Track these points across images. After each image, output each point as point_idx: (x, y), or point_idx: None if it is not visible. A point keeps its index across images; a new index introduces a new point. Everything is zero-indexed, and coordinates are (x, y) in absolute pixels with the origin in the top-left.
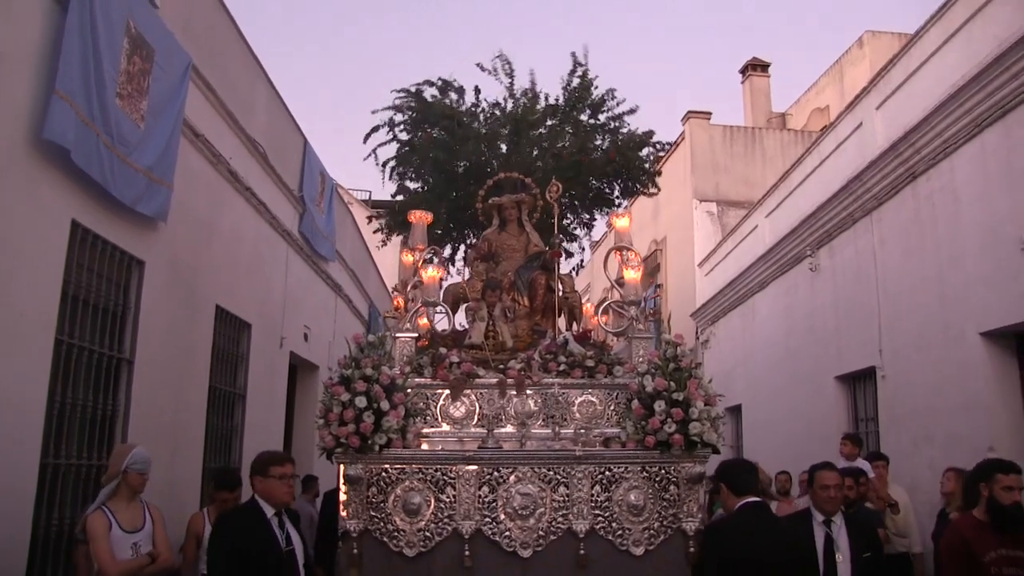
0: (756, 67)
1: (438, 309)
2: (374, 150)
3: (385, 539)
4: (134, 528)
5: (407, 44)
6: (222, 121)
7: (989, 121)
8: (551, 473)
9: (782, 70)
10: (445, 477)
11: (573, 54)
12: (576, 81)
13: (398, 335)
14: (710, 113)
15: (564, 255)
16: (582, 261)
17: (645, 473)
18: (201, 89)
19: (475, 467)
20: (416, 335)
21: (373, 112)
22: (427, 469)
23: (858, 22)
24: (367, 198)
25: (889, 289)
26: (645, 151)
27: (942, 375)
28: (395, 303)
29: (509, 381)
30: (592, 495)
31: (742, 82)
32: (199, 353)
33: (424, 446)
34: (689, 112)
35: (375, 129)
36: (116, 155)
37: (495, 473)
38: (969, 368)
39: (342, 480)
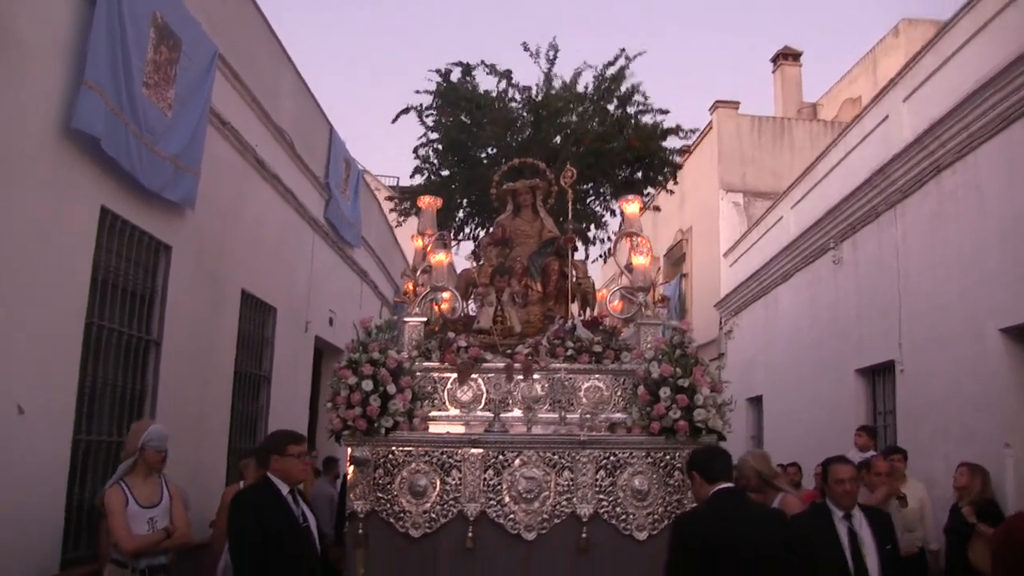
0: (787, 56)
1: (445, 294)
2: (416, 151)
3: (391, 520)
4: (151, 503)
5: (442, 26)
6: (248, 109)
7: (1015, 116)
8: (556, 457)
9: (815, 60)
10: (451, 460)
11: (623, 49)
12: (612, 71)
13: (407, 319)
14: (738, 103)
15: (588, 242)
16: (610, 250)
17: (650, 459)
18: (227, 77)
19: (481, 450)
20: (424, 320)
21: (416, 92)
22: (433, 452)
23: (894, 9)
24: (395, 184)
25: (910, 283)
26: (669, 142)
27: (960, 370)
28: (405, 287)
29: (516, 366)
30: (596, 480)
31: (773, 71)
32: (225, 336)
33: (431, 429)
34: (717, 101)
35: (405, 111)
36: (144, 143)
37: (500, 457)
38: (987, 364)
39: (348, 462)
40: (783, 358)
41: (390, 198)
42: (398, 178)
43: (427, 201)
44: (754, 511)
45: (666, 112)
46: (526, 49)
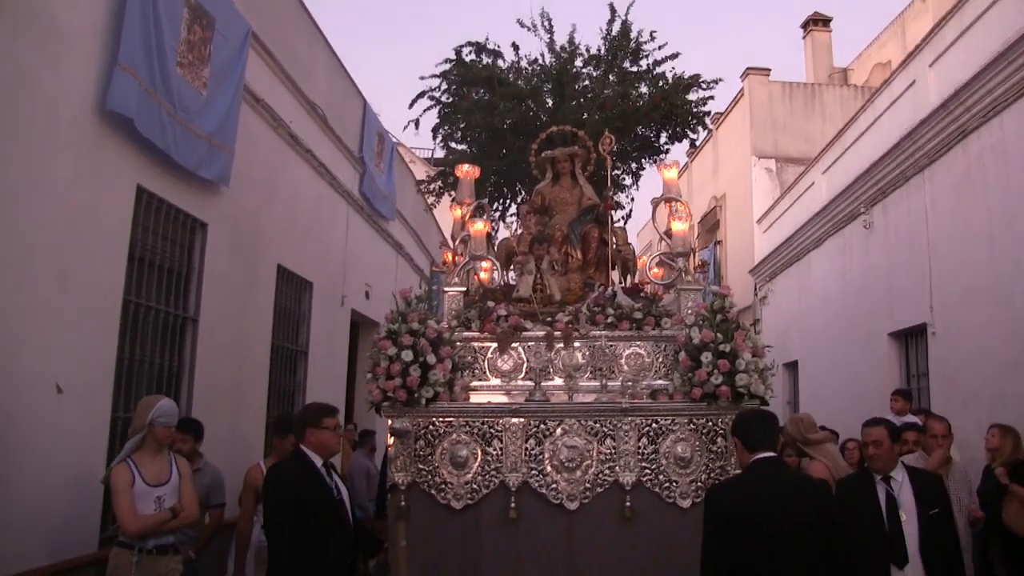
0: (817, 22)
1: (484, 263)
2: (415, 120)
3: (432, 491)
4: (158, 482)
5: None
6: (282, 85)
7: None
8: (597, 426)
9: (844, 24)
10: (492, 430)
11: (611, 4)
12: (616, 28)
13: (446, 289)
14: (769, 69)
15: (616, 207)
16: (631, 212)
17: (692, 425)
18: (261, 55)
19: (522, 420)
20: (464, 289)
21: (421, 78)
22: (474, 422)
23: None
24: (430, 156)
25: (940, 247)
26: (693, 95)
27: (990, 333)
28: (444, 257)
29: (556, 334)
30: (639, 447)
31: (803, 37)
32: (262, 311)
33: (472, 399)
34: (748, 69)
35: (421, 95)
36: (178, 122)
37: (542, 426)
38: (1016, 326)
39: (388, 433)
40: (817, 323)
41: (425, 185)
42: (432, 150)
43: (465, 170)
44: (788, 481)
45: (676, 55)
46: (522, 24)
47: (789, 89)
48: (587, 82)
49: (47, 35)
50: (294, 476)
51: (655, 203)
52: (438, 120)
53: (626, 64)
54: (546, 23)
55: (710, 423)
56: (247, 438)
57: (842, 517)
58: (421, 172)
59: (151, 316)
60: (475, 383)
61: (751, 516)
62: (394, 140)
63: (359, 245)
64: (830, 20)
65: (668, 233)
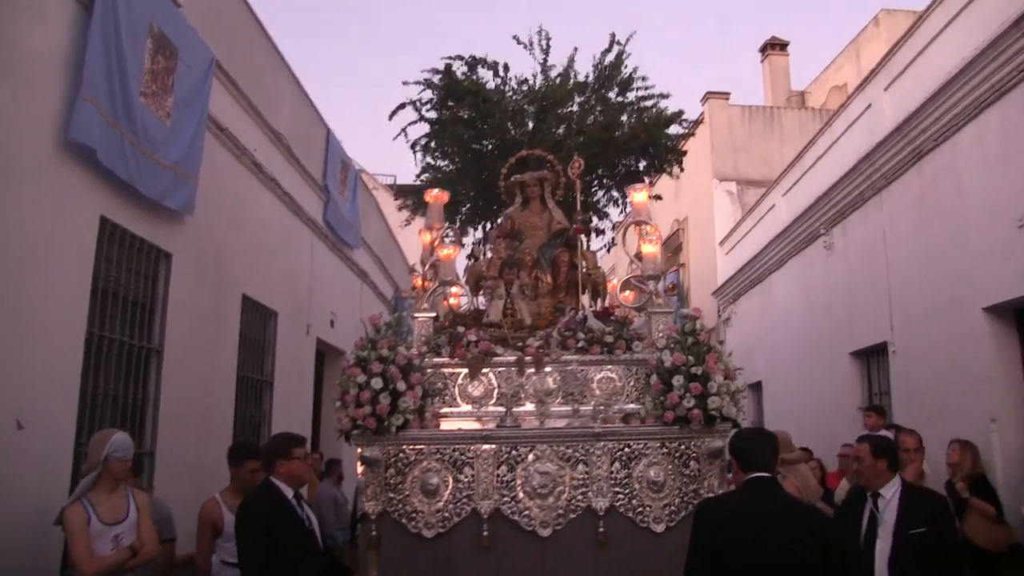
0: (775, 46)
1: (454, 288)
2: (404, 129)
3: (404, 520)
4: (115, 520)
5: (440, 21)
6: (246, 114)
7: (988, 102)
8: (570, 451)
9: (801, 48)
10: (463, 457)
11: (613, 34)
12: (610, 59)
13: (416, 315)
14: (729, 93)
15: (591, 233)
16: (613, 239)
17: (665, 449)
18: (225, 84)
19: (493, 446)
20: (433, 315)
21: (404, 83)
22: (445, 449)
23: (874, 0)
24: (392, 182)
25: (898, 266)
26: (673, 129)
27: (948, 349)
28: (414, 283)
29: (527, 359)
30: (611, 472)
31: (761, 61)
32: (227, 342)
33: (442, 426)
34: (708, 93)
35: (401, 106)
36: (142, 152)
37: (513, 452)
38: (973, 342)
39: (359, 462)
40: (780, 344)
41: (398, 196)
42: (395, 176)
43: (434, 194)
44: (782, 502)
45: (667, 96)
46: (519, 42)
47: (748, 112)
48: (572, 107)
49: (9, 65)
50: (264, 508)
51: (624, 226)
52: (427, 138)
53: (611, 94)
54: (544, 42)
55: (683, 447)
56: (213, 470)
57: (837, 537)
58: (384, 198)
59: (115, 348)
60: (446, 409)
61: (743, 535)
62: (357, 167)
63: (324, 273)
64: (787, 44)
65: (638, 256)
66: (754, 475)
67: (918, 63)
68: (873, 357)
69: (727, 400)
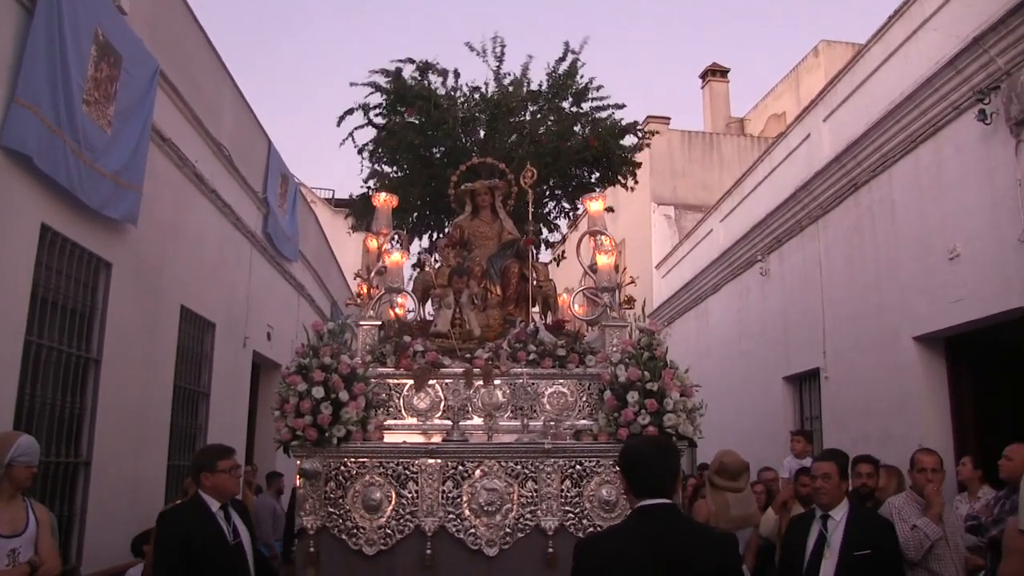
0: (715, 73)
1: (403, 295)
2: (351, 133)
3: (344, 536)
4: (13, 532)
5: (384, 33)
6: (188, 125)
7: (923, 137)
8: (519, 467)
9: (741, 76)
10: (407, 471)
11: (566, 43)
12: (564, 67)
13: (361, 323)
14: (669, 118)
15: (542, 245)
16: (563, 253)
17: (618, 468)
18: (168, 94)
19: (439, 461)
20: (379, 323)
21: (352, 85)
22: (388, 463)
23: (814, 31)
24: (330, 196)
25: (833, 294)
26: (627, 140)
27: (879, 377)
28: (358, 290)
29: (476, 371)
30: (562, 490)
31: (702, 87)
32: (164, 352)
33: (386, 439)
34: (648, 117)
35: (349, 112)
36: (83, 160)
37: (460, 467)
38: (903, 370)
39: (297, 475)
40: (715, 367)
41: (340, 207)
42: (333, 191)
43: (383, 199)
44: (681, 536)
45: (622, 106)
46: (472, 48)
47: (688, 138)
48: (524, 116)
49: None
50: (184, 521)
51: (580, 236)
52: (374, 143)
53: (565, 104)
54: (498, 49)
55: None
56: (149, 483)
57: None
58: (322, 212)
59: (53, 357)
60: (390, 422)
61: None
62: (296, 180)
63: (261, 286)
64: (728, 71)
65: (593, 267)
66: (646, 502)
67: (856, 96)
68: (806, 382)
69: (683, 418)
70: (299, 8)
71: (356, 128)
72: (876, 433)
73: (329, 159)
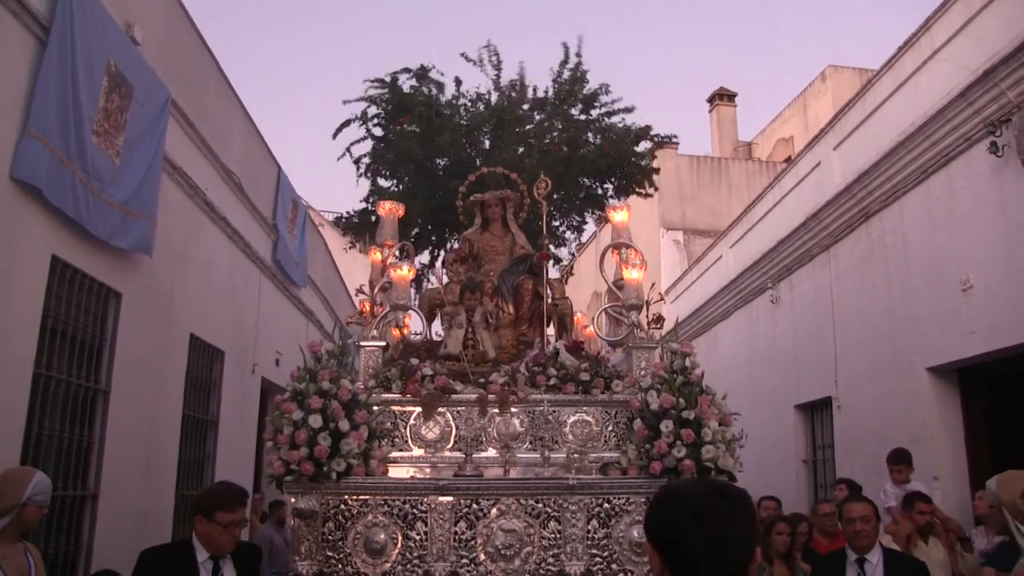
0: (723, 97)
1: (408, 314)
2: (348, 148)
3: None
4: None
5: (387, 49)
6: (198, 152)
7: (934, 168)
8: (540, 505)
9: (748, 100)
10: (415, 510)
11: (565, 44)
12: (567, 73)
13: (363, 344)
14: (678, 143)
15: (552, 260)
16: (571, 268)
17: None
18: (179, 121)
19: (450, 499)
20: (383, 344)
21: (345, 103)
22: (393, 501)
23: (822, 56)
24: (338, 218)
25: (844, 323)
26: (642, 146)
27: (892, 407)
28: (360, 307)
29: (491, 397)
30: (588, 531)
31: (709, 111)
32: (173, 381)
33: (391, 473)
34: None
35: (347, 123)
36: (91, 191)
37: (474, 505)
38: (916, 401)
39: (291, 513)
40: (724, 394)
41: (344, 230)
42: (342, 215)
43: (387, 207)
44: None
45: (631, 109)
46: (468, 59)
47: (696, 163)
48: (530, 126)
49: None
50: (158, 564)
51: (603, 250)
52: (372, 156)
53: (574, 111)
54: (493, 58)
55: None
56: (157, 513)
57: None
58: (330, 235)
59: (61, 389)
60: (395, 454)
61: None
62: (305, 204)
63: (270, 312)
64: (735, 95)
65: (619, 283)
66: None
67: (866, 125)
68: (817, 411)
69: (723, 449)
70: (294, 26)
71: (354, 142)
72: None
73: (335, 181)
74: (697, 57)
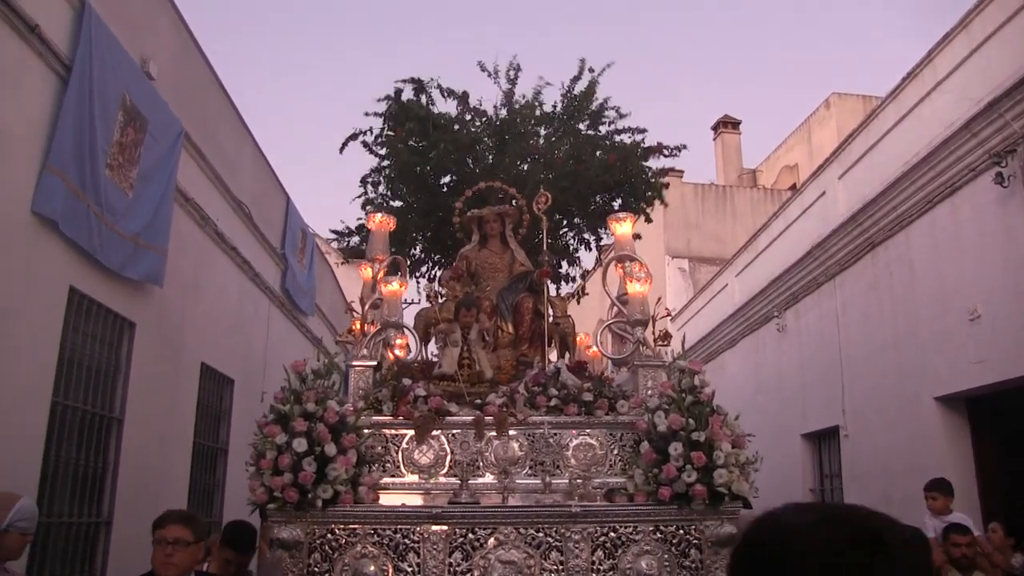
0: (727, 124)
1: (402, 333)
2: (363, 181)
3: None
4: None
5: (402, 63)
6: (209, 184)
7: (940, 198)
8: (540, 535)
9: (753, 127)
10: (407, 540)
11: (583, 60)
12: (580, 87)
13: (353, 363)
14: (682, 171)
15: (559, 280)
16: (583, 288)
17: (659, 534)
18: (191, 154)
19: (445, 527)
20: (374, 363)
21: (366, 115)
22: (384, 530)
23: (825, 83)
24: (345, 245)
25: (850, 352)
26: (651, 162)
27: (899, 436)
28: (351, 325)
29: (488, 419)
30: (593, 562)
31: (714, 139)
32: (184, 410)
33: (381, 501)
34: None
35: (352, 137)
36: (104, 223)
37: (470, 535)
38: (924, 430)
39: (268, 545)
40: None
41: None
42: (348, 241)
43: (378, 220)
44: None
45: (644, 131)
46: (483, 69)
47: (702, 191)
48: (534, 140)
49: None
50: None
51: (606, 263)
52: (375, 173)
53: (581, 126)
54: (512, 72)
55: (682, 531)
56: None
57: None
58: (337, 261)
59: (77, 417)
60: (386, 480)
61: None
62: (312, 232)
63: (279, 341)
64: (739, 123)
65: (623, 298)
66: None
67: (871, 155)
68: (824, 439)
69: (736, 474)
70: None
71: (371, 175)
72: (898, 494)
73: (340, 206)
74: (700, 85)
